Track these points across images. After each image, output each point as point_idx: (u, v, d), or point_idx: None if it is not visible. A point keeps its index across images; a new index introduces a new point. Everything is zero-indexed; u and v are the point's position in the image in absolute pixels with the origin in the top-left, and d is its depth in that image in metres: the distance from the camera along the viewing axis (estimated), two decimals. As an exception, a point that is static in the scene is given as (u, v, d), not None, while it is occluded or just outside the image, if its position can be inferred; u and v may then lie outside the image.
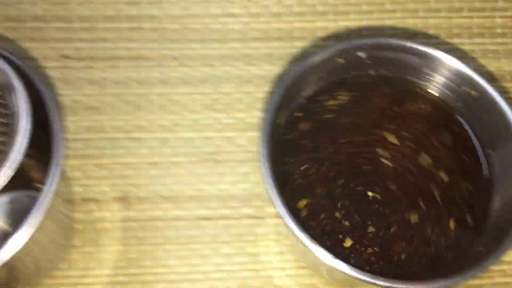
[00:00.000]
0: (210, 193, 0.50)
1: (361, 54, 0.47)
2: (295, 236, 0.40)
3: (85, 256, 0.47)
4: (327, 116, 0.47)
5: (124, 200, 0.49)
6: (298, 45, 0.55)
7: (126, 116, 0.52)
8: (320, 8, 0.57)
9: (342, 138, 0.46)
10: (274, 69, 0.54)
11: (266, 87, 0.54)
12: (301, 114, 0.47)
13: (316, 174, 0.45)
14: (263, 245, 0.49)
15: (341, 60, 0.47)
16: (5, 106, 0.38)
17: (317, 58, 0.46)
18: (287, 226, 0.40)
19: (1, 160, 0.35)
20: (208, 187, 0.50)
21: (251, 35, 0.56)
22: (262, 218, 0.49)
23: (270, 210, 0.50)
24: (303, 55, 0.55)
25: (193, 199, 0.50)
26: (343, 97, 0.48)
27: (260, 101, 0.53)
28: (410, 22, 0.57)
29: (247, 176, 0.51)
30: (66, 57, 0.54)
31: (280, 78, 0.54)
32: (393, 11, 0.57)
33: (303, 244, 0.40)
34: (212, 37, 0.55)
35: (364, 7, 0.57)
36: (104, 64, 0.54)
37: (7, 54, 0.40)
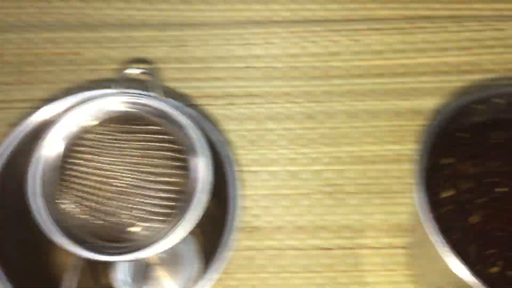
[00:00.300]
0: (339, 224, 0.53)
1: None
2: (449, 264, 0.41)
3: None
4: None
5: (251, 230, 0.53)
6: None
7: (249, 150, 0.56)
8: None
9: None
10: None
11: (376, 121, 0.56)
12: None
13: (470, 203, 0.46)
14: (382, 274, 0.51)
15: (500, 101, 0.48)
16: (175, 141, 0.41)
17: (476, 96, 0.47)
18: (440, 253, 0.41)
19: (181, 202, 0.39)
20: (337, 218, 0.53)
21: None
22: (379, 248, 0.52)
23: (387, 240, 0.52)
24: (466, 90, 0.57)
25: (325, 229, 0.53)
26: (496, 136, 0.49)
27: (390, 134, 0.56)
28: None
29: (362, 207, 0.53)
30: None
31: (437, 112, 0.54)
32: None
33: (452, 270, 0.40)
34: (333, 74, 0.59)
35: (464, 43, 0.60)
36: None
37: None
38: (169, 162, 0.41)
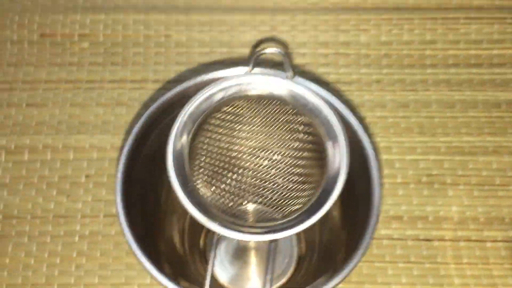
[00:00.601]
0: (438, 215, 0.51)
1: None
2: None
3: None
4: None
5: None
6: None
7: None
8: None
9: None
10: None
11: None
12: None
13: None
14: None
15: None
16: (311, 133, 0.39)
17: None
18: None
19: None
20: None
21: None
22: (479, 241, 0.50)
23: (487, 233, 0.50)
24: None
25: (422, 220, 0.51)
26: None
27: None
28: None
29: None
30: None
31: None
32: None
33: None
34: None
35: None
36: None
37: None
38: (304, 145, 0.39)
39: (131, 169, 0.39)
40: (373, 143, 0.44)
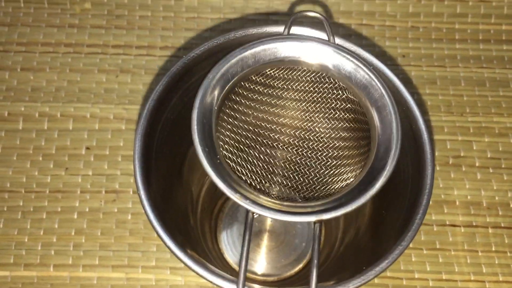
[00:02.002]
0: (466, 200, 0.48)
1: None
2: None
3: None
4: None
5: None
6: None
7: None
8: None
9: None
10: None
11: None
12: None
13: None
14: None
15: None
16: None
17: None
18: None
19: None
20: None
21: None
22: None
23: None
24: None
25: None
26: None
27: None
28: None
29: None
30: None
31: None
32: None
33: None
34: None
35: None
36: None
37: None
38: (347, 115, 0.35)
39: (150, 136, 0.35)
40: (426, 121, 0.40)
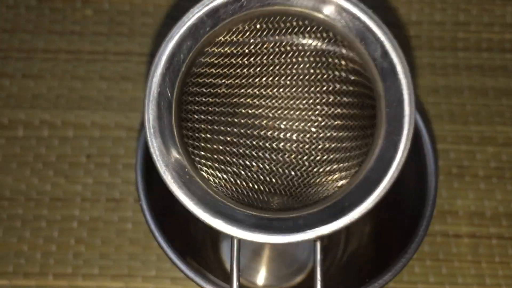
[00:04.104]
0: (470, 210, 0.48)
1: None
2: None
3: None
4: None
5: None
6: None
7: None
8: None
9: None
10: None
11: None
12: None
13: None
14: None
15: None
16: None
17: None
18: None
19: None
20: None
21: None
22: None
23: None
24: None
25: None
26: None
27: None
28: None
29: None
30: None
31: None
32: None
33: None
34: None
35: None
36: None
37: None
38: (345, 87, 0.29)
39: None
40: (429, 131, 0.39)
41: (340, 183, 0.28)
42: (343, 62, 0.28)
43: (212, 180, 0.28)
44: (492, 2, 0.55)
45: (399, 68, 0.27)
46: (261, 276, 0.47)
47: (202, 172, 0.28)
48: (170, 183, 0.27)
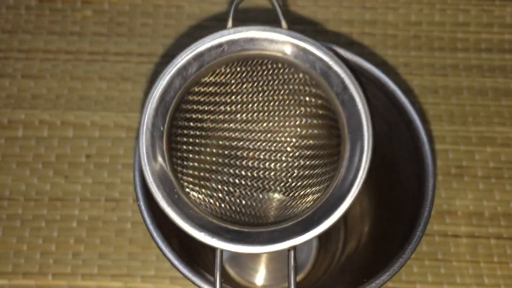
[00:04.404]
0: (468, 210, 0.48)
1: None
2: None
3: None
4: None
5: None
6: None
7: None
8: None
9: None
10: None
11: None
12: None
13: None
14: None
15: None
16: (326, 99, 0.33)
17: None
18: None
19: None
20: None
21: None
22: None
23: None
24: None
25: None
26: None
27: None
28: None
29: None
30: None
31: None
32: None
33: None
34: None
35: None
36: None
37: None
38: (313, 119, 0.33)
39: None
40: (428, 131, 0.39)
41: (311, 202, 0.32)
42: (312, 100, 0.33)
43: (198, 202, 0.32)
44: (491, 3, 0.55)
45: (357, 99, 0.31)
46: (260, 276, 0.48)
47: (190, 195, 0.32)
48: (161, 201, 0.31)
